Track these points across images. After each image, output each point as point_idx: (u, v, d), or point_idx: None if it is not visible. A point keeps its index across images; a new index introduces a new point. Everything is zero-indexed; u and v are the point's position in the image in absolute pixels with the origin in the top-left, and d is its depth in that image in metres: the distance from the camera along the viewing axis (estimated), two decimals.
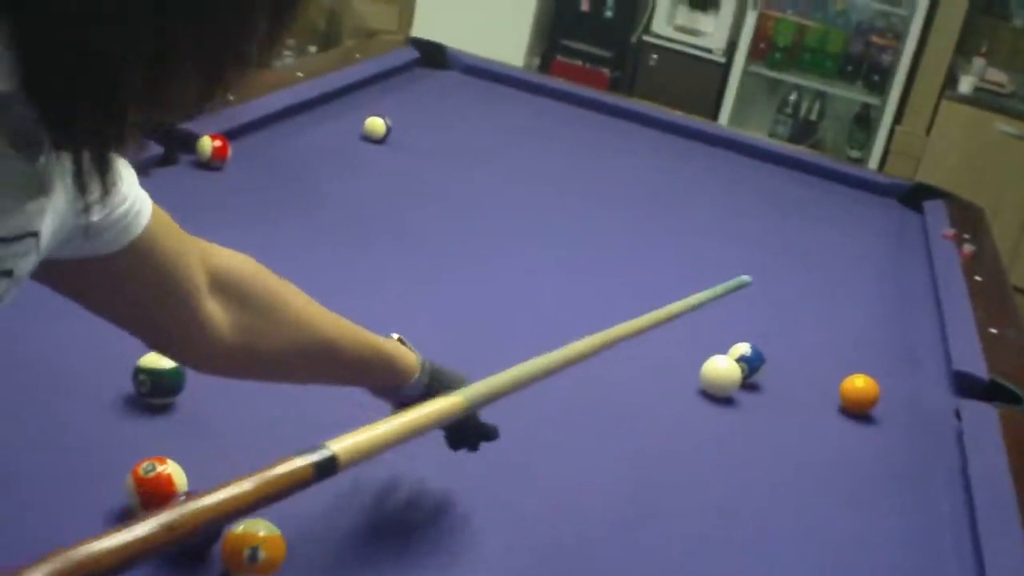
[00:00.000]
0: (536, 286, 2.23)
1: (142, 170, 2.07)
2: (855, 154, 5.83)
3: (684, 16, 5.79)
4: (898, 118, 5.62)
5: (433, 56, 3.57)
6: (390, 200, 2.45)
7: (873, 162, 5.66)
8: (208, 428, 1.47)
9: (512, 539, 1.43)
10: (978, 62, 5.56)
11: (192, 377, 1.50)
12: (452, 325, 1.96)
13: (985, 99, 5.50)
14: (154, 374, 1.47)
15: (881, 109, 5.68)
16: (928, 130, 5.57)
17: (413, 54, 3.50)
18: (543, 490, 1.55)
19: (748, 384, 1.94)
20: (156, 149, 2.25)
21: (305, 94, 2.83)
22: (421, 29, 5.63)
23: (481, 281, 2.18)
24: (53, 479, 1.30)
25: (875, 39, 5.77)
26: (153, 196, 2.03)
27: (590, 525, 1.50)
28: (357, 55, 3.32)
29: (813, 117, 5.95)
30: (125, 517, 1.25)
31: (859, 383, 1.97)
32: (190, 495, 1.18)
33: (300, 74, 2.97)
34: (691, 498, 1.63)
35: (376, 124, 2.74)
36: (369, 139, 2.74)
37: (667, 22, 5.74)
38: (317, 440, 1.03)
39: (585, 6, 5.82)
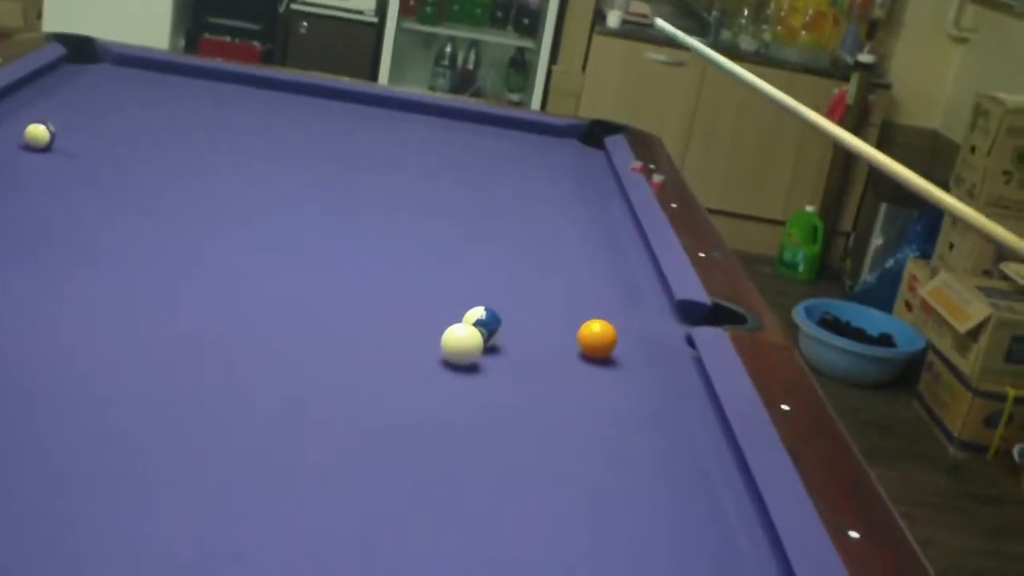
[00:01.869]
0: (235, 280, 2.09)
1: None
2: (515, 97, 5.90)
3: None
4: (553, 58, 5.72)
5: (82, 50, 3.33)
6: (71, 211, 2.25)
7: (534, 103, 5.75)
8: None
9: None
10: None
11: None
12: (157, 336, 1.82)
13: (632, 31, 5.67)
14: None
15: (536, 51, 5.76)
16: (583, 67, 5.70)
17: (59, 51, 3.26)
18: (280, 492, 1.46)
19: (489, 348, 1.90)
20: None
21: None
22: (52, 23, 5.30)
23: (181, 283, 2.03)
24: None
25: None
26: None
27: (348, 520, 1.41)
28: None
29: (470, 66, 5.98)
30: None
31: (595, 328, 1.96)
32: None
33: None
34: (444, 469, 1.56)
35: (38, 131, 2.52)
36: (32, 148, 2.51)
37: None
38: None
39: None
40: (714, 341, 2.02)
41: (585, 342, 1.95)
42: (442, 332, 1.86)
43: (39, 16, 5.60)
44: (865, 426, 4.40)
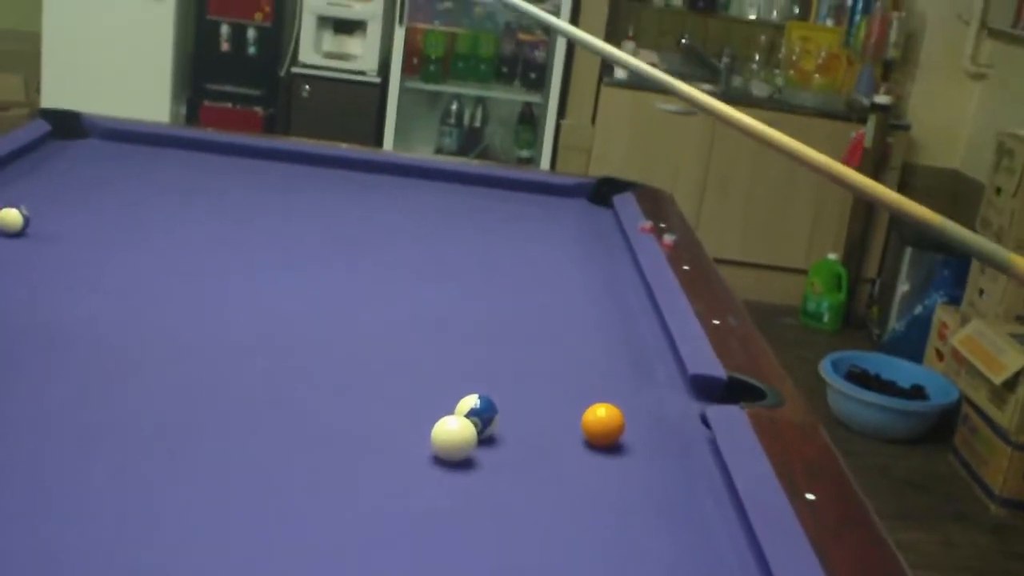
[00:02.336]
0: (222, 363, 1.95)
1: None
2: (524, 154, 5.78)
3: (331, 42, 5.57)
4: (561, 112, 5.59)
5: (67, 125, 3.23)
6: (41, 303, 2.11)
7: (544, 159, 5.62)
8: None
9: None
10: (628, 45, 5.62)
11: None
12: (119, 431, 1.67)
13: (640, 81, 5.51)
14: None
15: (544, 106, 5.64)
16: (593, 119, 5.57)
17: (44, 127, 3.14)
18: None
19: (484, 439, 1.74)
20: None
21: None
22: (52, 98, 5.23)
23: (161, 376, 1.88)
24: None
25: (524, 36, 5.73)
26: None
27: None
28: None
29: (477, 124, 5.86)
30: None
31: (600, 413, 1.80)
32: None
33: None
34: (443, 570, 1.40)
35: (10, 216, 2.38)
36: (4, 234, 2.38)
37: (314, 50, 5.52)
38: None
39: (225, 46, 5.51)
40: (731, 421, 1.85)
41: (590, 429, 1.79)
42: (433, 423, 1.70)
43: (38, 90, 5.52)
44: (899, 485, 4.21)
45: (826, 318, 5.59)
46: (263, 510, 1.51)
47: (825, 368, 4.59)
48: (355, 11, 5.45)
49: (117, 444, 1.64)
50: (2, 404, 1.72)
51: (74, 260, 2.35)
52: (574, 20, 5.45)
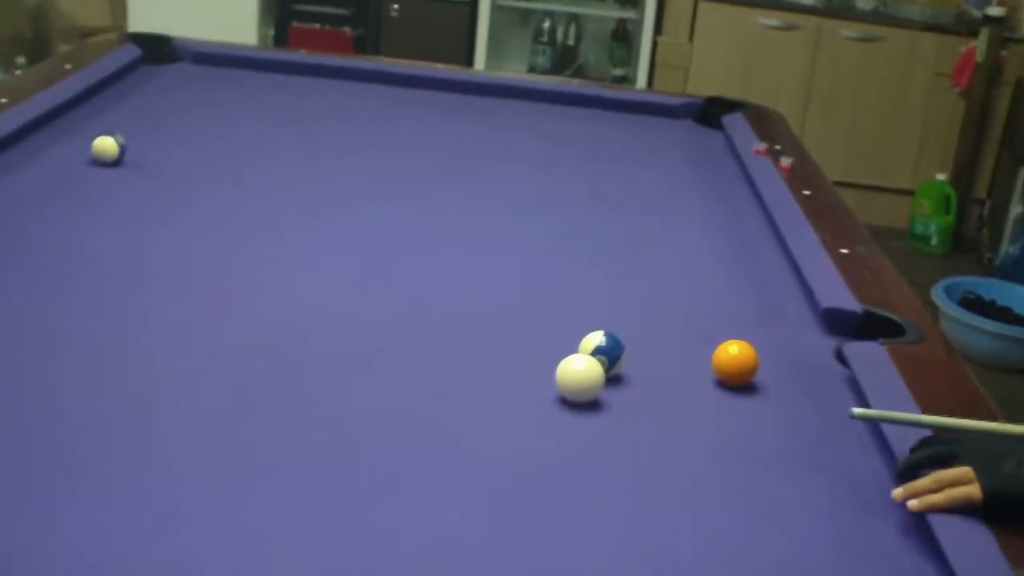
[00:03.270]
0: (337, 300, 1.86)
1: None
2: (619, 72, 5.60)
3: None
4: (658, 28, 5.40)
5: (158, 50, 3.15)
6: (136, 235, 2.03)
7: (640, 78, 5.45)
8: None
9: None
10: None
11: None
12: (225, 364, 1.60)
13: None
14: None
15: (639, 22, 5.45)
16: (690, 36, 5.38)
17: (134, 52, 3.06)
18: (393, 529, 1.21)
19: (610, 379, 1.63)
20: None
21: (12, 123, 2.37)
22: (138, 21, 5.16)
23: (266, 311, 1.80)
24: None
25: None
26: None
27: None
28: (68, 65, 2.85)
29: (570, 42, 5.69)
30: None
31: (733, 351, 1.69)
32: None
33: (3, 100, 2.50)
34: (565, 526, 1.30)
35: (106, 144, 2.31)
36: (100, 163, 2.31)
37: None
38: None
39: None
40: (870, 358, 1.73)
41: (722, 367, 1.68)
42: (556, 363, 1.60)
43: (125, 14, 5.45)
44: (1018, 417, 4.04)
45: (934, 241, 5.39)
46: (388, 455, 1.42)
47: (938, 294, 4.42)
48: None
49: (214, 384, 1.56)
50: (100, 332, 1.65)
51: (169, 191, 2.27)
52: None
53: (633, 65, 5.51)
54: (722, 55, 5.35)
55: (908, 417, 1.51)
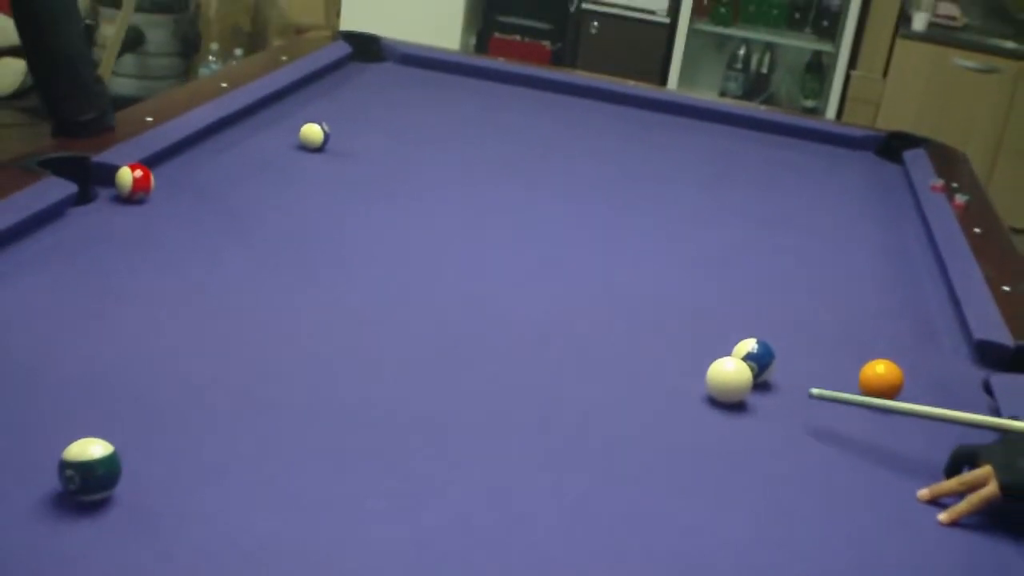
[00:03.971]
0: (511, 289, 2.00)
1: (57, 211, 1.88)
2: (809, 104, 5.64)
3: None
4: (852, 63, 5.43)
5: (367, 48, 3.34)
6: (336, 214, 2.22)
7: (830, 111, 5.47)
8: (153, 525, 1.24)
9: None
10: None
11: (133, 461, 1.27)
12: (416, 343, 1.75)
13: (940, 34, 5.32)
14: (83, 467, 1.23)
15: (834, 55, 5.48)
16: (885, 72, 5.39)
17: (345, 49, 3.27)
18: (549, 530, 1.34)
19: (759, 384, 1.73)
20: (69, 187, 2.01)
21: (231, 106, 2.59)
22: (350, 20, 5.40)
23: (447, 291, 1.96)
24: None
25: None
26: (71, 239, 1.84)
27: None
28: (283, 57, 3.07)
29: (764, 70, 5.75)
30: None
31: (880, 370, 1.77)
32: None
33: (224, 84, 2.72)
34: (698, 515, 1.41)
35: (312, 131, 2.50)
36: (306, 148, 2.50)
37: None
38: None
39: None
40: (1018, 391, 1.79)
41: (868, 384, 1.76)
42: (709, 363, 1.71)
43: (338, 14, 5.72)
44: None
45: None
46: (541, 434, 1.55)
47: None
48: None
49: (411, 343, 1.72)
50: (299, 299, 1.83)
51: (366, 178, 2.45)
52: None
53: (824, 97, 5.54)
54: (915, 93, 5.34)
55: (866, 400, 1.65)
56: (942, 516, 1.46)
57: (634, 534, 1.37)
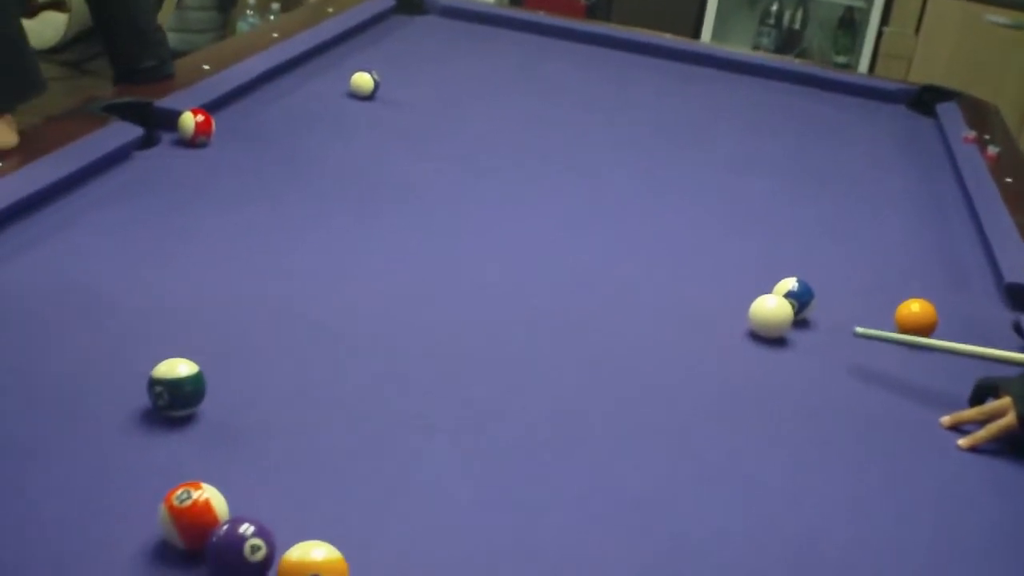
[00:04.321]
0: (558, 237, 2.09)
1: (123, 154, 1.97)
2: (841, 59, 5.67)
3: None
4: (884, 19, 5.46)
5: (409, 1, 3.41)
6: (388, 158, 2.31)
7: (862, 66, 5.50)
8: (238, 440, 1.33)
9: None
10: None
11: (214, 382, 1.36)
12: (470, 283, 1.84)
13: None
14: (171, 384, 1.33)
15: (866, 11, 5.51)
16: (917, 28, 5.42)
17: (388, 2, 3.34)
18: (593, 455, 1.42)
19: (799, 321, 1.81)
20: (135, 131, 2.10)
21: (283, 55, 2.68)
22: None
23: (496, 235, 2.05)
24: (74, 515, 1.16)
25: None
26: (137, 180, 1.93)
27: (636, 485, 1.37)
28: (330, 9, 3.15)
29: (796, 25, 5.78)
30: (163, 553, 1.12)
31: (915, 308, 1.84)
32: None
33: (275, 35, 2.81)
34: (742, 442, 1.50)
35: (363, 80, 2.58)
36: (356, 96, 2.58)
37: None
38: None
39: None
40: None
41: (903, 322, 1.83)
42: (751, 301, 1.79)
43: None
44: None
45: None
46: (588, 378, 1.63)
47: None
48: None
49: (450, 299, 1.81)
50: (355, 237, 1.92)
51: (417, 126, 2.53)
52: None
53: (856, 53, 5.57)
54: (947, 49, 5.36)
55: (904, 338, 1.74)
56: (962, 441, 1.54)
57: (683, 456, 1.45)
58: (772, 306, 1.77)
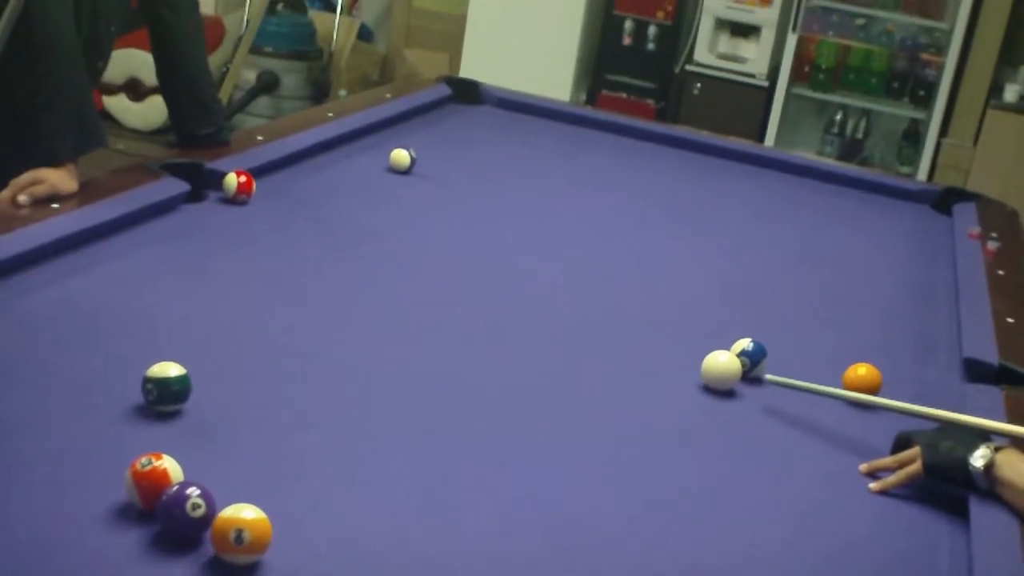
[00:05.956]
0: (545, 295, 2.30)
1: (171, 205, 2.23)
2: (904, 169, 5.83)
3: (726, 44, 5.85)
4: (944, 131, 5.61)
5: (466, 91, 3.65)
6: (410, 223, 2.54)
7: (922, 176, 5.65)
8: (211, 430, 1.56)
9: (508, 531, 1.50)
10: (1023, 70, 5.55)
11: (199, 385, 1.59)
12: (452, 328, 2.06)
13: None
14: (160, 382, 1.56)
15: (927, 123, 5.68)
16: (975, 141, 5.57)
17: (445, 91, 3.59)
18: (537, 489, 1.62)
19: (751, 377, 1.99)
20: (182, 186, 2.36)
21: (332, 132, 2.93)
22: (469, 73, 5.75)
23: (503, 290, 2.28)
24: (63, 479, 1.40)
25: (920, 55, 5.78)
26: (178, 228, 2.20)
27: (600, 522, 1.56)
28: (388, 95, 3.42)
29: (859, 135, 5.96)
30: (124, 512, 1.34)
31: (861, 371, 2.00)
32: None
33: (330, 114, 3.07)
34: (691, 491, 1.68)
35: (400, 155, 2.83)
36: (394, 170, 2.83)
37: (709, 50, 5.81)
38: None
39: (627, 40, 5.91)
40: (986, 398, 2.00)
41: (849, 384, 2.00)
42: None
43: (459, 67, 6.11)
44: None
45: None
46: (547, 423, 1.81)
47: None
48: (753, 15, 5.71)
49: (477, 323, 2.03)
50: (366, 287, 2.16)
51: (445, 198, 2.77)
52: (968, 42, 5.47)
53: (917, 163, 5.72)
54: (1005, 162, 5.49)
55: (820, 389, 1.91)
56: (873, 485, 1.71)
57: (614, 479, 1.65)
58: (723, 361, 1.95)
